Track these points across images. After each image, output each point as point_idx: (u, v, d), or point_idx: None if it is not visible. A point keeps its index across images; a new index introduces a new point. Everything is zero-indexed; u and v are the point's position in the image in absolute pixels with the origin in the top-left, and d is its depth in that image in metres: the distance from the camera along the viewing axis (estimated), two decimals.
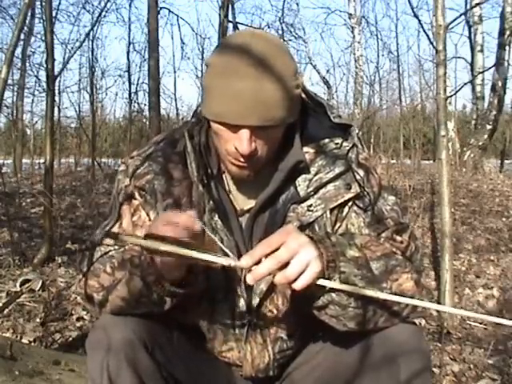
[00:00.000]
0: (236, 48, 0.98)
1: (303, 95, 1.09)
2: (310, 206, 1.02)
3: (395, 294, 0.90)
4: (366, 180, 1.05)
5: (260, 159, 1.00)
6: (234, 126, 0.96)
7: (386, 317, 0.94)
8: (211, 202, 1.04)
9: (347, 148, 1.06)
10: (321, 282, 0.86)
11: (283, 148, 1.04)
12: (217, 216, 1.04)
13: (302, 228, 1.00)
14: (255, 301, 1.05)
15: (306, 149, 1.05)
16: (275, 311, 1.05)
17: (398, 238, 1.03)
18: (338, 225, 1.04)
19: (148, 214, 1.05)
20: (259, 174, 1.04)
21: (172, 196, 1.04)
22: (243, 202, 1.07)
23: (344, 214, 1.04)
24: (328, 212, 1.02)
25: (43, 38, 7.70)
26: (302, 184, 1.04)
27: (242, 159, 0.98)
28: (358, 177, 1.04)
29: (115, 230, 1.07)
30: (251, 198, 1.07)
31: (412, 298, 0.93)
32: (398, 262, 0.96)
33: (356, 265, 0.91)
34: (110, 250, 1.04)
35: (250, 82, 0.94)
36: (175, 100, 14.32)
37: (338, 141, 1.07)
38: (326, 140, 1.07)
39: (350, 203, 1.04)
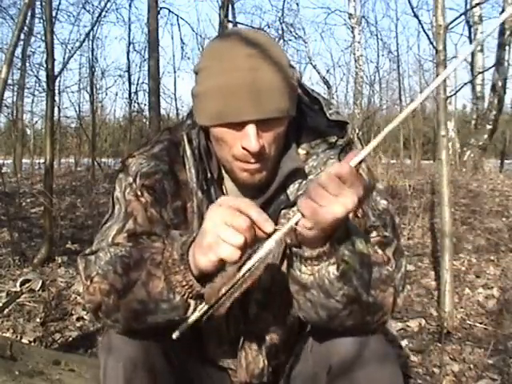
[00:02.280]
0: (225, 46, 0.92)
1: (299, 90, 1.02)
2: None
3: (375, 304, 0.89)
4: None
5: (269, 159, 0.95)
6: (237, 124, 0.90)
7: (355, 324, 0.90)
8: None
9: (341, 147, 1.02)
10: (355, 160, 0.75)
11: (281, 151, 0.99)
12: None
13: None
14: (252, 310, 1.04)
15: (298, 151, 1.01)
16: (271, 318, 1.04)
17: (379, 252, 0.93)
18: None
19: (159, 212, 0.99)
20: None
21: (180, 198, 1.01)
22: None
23: None
24: None
25: (43, 38, 7.69)
26: (291, 188, 1.00)
27: (252, 160, 0.93)
28: None
29: (130, 227, 0.97)
30: None
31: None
32: (389, 273, 0.92)
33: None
34: (121, 250, 0.92)
35: (246, 74, 0.88)
36: (175, 100, 14.40)
37: (333, 140, 1.02)
38: (319, 140, 1.02)
39: None
